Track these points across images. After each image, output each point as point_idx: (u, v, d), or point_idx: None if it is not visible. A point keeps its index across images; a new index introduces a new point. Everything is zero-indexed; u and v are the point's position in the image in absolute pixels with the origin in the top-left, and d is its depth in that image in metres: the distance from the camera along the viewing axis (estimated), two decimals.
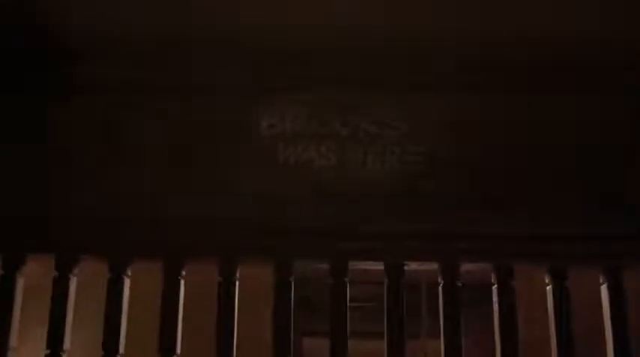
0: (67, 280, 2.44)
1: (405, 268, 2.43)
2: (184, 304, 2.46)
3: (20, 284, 2.46)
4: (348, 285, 2.42)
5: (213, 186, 2.46)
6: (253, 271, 2.48)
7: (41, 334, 2.51)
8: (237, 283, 2.46)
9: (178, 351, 2.38)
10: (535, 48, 2.45)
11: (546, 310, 2.44)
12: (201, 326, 2.52)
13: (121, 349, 2.38)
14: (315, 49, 2.43)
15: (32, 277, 2.54)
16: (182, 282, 2.45)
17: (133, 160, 2.50)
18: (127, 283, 2.46)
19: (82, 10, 2.37)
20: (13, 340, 2.42)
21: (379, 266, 2.45)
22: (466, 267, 2.45)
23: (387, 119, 2.51)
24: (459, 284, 2.40)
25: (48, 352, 2.39)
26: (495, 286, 2.41)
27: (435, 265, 2.43)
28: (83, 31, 2.45)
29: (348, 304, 2.42)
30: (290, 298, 2.42)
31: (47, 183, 2.49)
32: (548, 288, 2.43)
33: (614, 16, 2.36)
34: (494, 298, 2.41)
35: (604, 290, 2.44)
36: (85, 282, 2.53)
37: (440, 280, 2.42)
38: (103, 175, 2.47)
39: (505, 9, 2.32)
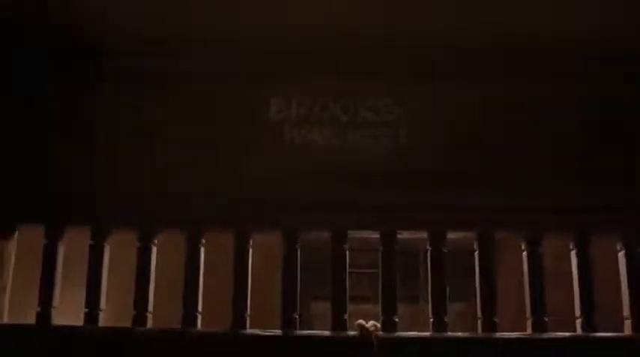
0: (102, 248, 2.78)
1: (399, 236, 2.77)
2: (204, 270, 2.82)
3: (61, 252, 2.81)
4: (347, 252, 2.74)
5: (229, 164, 2.78)
6: (264, 240, 2.82)
7: (70, 297, 2.88)
8: (250, 251, 2.78)
9: (200, 309, 2.73)
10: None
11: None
12: (220, 290, 2.85)
13: (150, 308, 2.73)
14: (319, 45, 2.73)
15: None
16: (202, 250, 2.79)
17: (158, 142, 2.82)
18: (154, 250, 2.81)
19: (115, 13, 2.70)
20: (56, 300, 2.77)
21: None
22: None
23: (382, 105, 2.83)
24: (445, 250, 2.72)
25: (87, 310, 2.72)
26: (477, 252, 2.74)
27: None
28: (115, 30, 2.77)
29: (347, 268, 2.74)
30: (296, 264, 2.74)
31: (79, 164, 2.84)
32: (524, 253, 2.75)
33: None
34: (476, 263, 2.74)
35: (573, 256, 2.76)
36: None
37: (428, 247, 2.75)
38: (131, 155, 2.80)
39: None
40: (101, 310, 2.73)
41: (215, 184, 2.78)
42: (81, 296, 2.78)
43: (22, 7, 2.68)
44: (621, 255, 2.75)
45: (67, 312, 2.87)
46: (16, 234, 2.84)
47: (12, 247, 2.84)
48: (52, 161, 2.82)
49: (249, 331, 2.68)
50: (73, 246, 2.86)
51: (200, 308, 2.73)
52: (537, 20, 2.68)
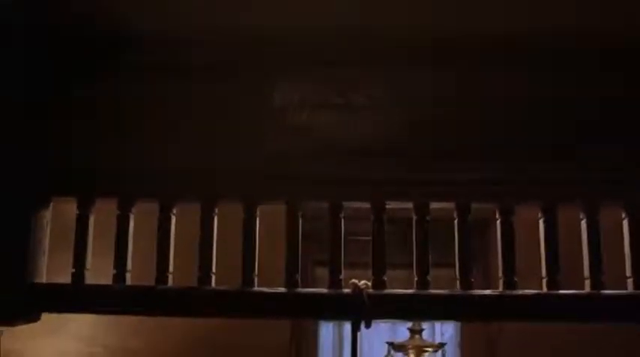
0: (128, 217, 3.17)
1: (388, 207, 3.14)
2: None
3: (91, 221, 3.19)
4: (342, 221, 3.10)
5: (238, 144, 3.13)
6: (270, 210, 3.20)
7: (99, 262, 3.28)
8: (257, 219, 3.15)
9: (214, 270, 3.13)
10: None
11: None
12: (232, 253, 3.23)
13: (171, 268, 3.12)
14: (318, 39, 3.10)
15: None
16: (215, 219, 3.18)
17: (175, 121, 3.19)
18: (173, 219, 3.19)
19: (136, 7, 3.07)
20: (88, 263, 3.16)
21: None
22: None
23: (375, 92, 3.21)
24: (428, 219, 3.11)
25: (115, 272, 3.13)
26: (456, 220, 3.12)
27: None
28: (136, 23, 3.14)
29: (342, 235, 3.10)
30: (298, 232, 3.11)
31: (106, 145, 3.22)
32: (497, 222, 3.13)
33: None
34: (455, 232, 3.12)
35: (541, 224, 3.12)
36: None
37: (414, 215, 3.13)
38: (153, 136, 3.18)
39: None
40: (128, 271, 3.12)
41: (226, 161, 3.15)
42: (110, 262, 3.18)
43: None
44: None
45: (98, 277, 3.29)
46: (51, 206, 3.21)
47: (48, 216, 3.23)
48: (79, 142, 3.22)
49: (256, 289, 3.06)
50: (101, 218, 3.28)
51: (214, 269, 3.11)
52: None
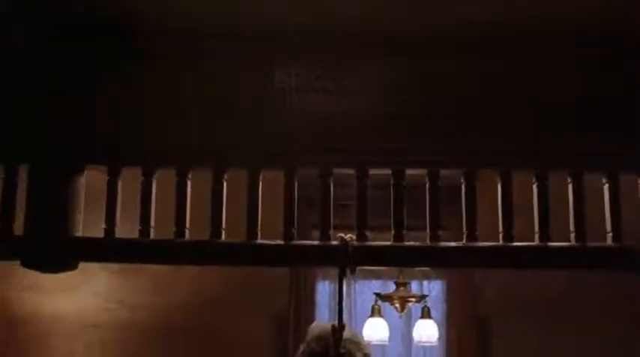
0: (151, 183, 3.70)
1: (371, 172, 3.67)
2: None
3: (119, 186, 3.72)
4: (331, 185, 3.63)
5: (242, 121, 3.65)
6: (272, 176, 3.73)
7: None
8: (260, 185, 3.69)
9: (224, 226, 3.68)
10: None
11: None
12: (239, 213, 3.76)
13: (188, 224, 3.66)
14: (312, 29, 3.59)
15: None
16: (225, 184, 3.72)
17: (190, 103, 3.71)
18: (189, 184, 3.72)
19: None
20: (117, 220, 3.69)
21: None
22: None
23: (360, 76, 3.74)
24: (404, 184, 3.66)
25: (140, 227, 3.68)
26: (427, 184, 3.68)
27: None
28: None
29: (332, 197, 3.63)
30: (294, 193, 3.64)
31: (129, 121, 3.74)
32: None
33: None
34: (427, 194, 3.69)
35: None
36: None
37: (391, 180, 3.67)
38: (171, 111, 3.72)
39: None
40: (151, 227, 3.67)
41: (231, 136, 3.68)
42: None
43: None
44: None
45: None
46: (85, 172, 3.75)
47: (82, 181, 3.75)
48: (107, 119, 3.75)
49: (259, 241, 3.62)
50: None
51: (224, 225, 3.65)
52: None
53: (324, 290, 6.58)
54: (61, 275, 3.88)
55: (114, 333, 6.32)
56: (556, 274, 5.30)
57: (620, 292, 5.77)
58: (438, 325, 5.97)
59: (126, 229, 3.77)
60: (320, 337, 3.24)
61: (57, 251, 3.63)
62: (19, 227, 3.68)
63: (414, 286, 6.26)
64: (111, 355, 6.32)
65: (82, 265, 3.77)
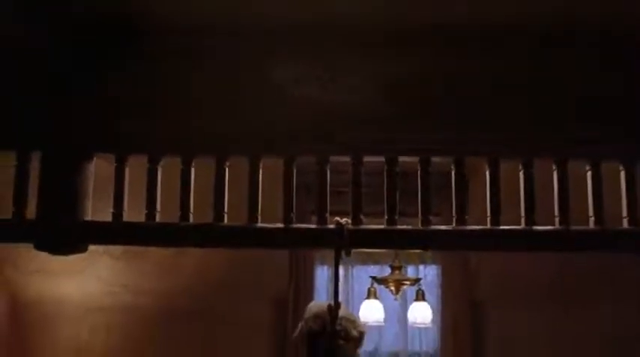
0: (156, 170, 3.88)
1: (366, 160, 3.84)
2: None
3: (127, 172, 3.91)
4: (328, 172, 3.80)
5: (244, 112, 3.85)
6: (272, 164, 3.90)
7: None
8: (260, 172, 3.86)
9: (226, 210, 3.87)
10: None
11: None
12: (240, 199, 3.93)
13: (192, 208, 3.84)
14: (310, 26, 3.78)
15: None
16: (227, 170, 3.89)
17: (194, 95, 3.89)
18: (193, 171, 3.90)
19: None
20: (125, 205, 3.89)
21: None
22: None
23: (354, 69, 3.92)
24: (397, 171, 3.84)
25: (146, 211, 3.85)
26: (419, 171, 3.87)
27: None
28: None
29: (328, 183, 3.80)
30: (293, 179, 3.81)
31: (138, 111, 3.94)
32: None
33: None
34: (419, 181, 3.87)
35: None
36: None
37: (385, 167, 3.85)
38: (176, 104, 3.90)
39: None
40: (157, 211, 3.85)
41: (234, 126, 3.86)
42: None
43: None
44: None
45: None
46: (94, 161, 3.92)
47: (91, 169, 3.93)
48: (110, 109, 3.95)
49: (259, 224, 3.80)
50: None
51: (226, 209, 3.82)
52: None
53: (322, 275, 6.74)
54: (67, 260, 4.08)
55: (118, 316, 6.49)
56: (549, 259, 5.53)
57: (611, 276, 5.96)
58: (434, 308, 6.14)
59: (132, 216, 3.94)
60: (317, 316, 3.45)
61: (68, 234, 3.82)
62: (31, 212, 3.86)
63: (411, 271, 6.49)
64: (115, 338, 6.48)
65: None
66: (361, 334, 3.48)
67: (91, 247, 3.96)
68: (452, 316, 6.63)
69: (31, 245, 3.86)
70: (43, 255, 4.04)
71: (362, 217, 3.80)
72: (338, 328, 3.35)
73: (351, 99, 3.86)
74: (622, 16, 3.68)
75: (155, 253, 6.15)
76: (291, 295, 6.54)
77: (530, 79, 3.91)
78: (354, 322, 3.52)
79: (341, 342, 3.38)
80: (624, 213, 3.82)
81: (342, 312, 3.34)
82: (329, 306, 3.28)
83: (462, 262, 6.58)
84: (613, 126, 3.82)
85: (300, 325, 3.52)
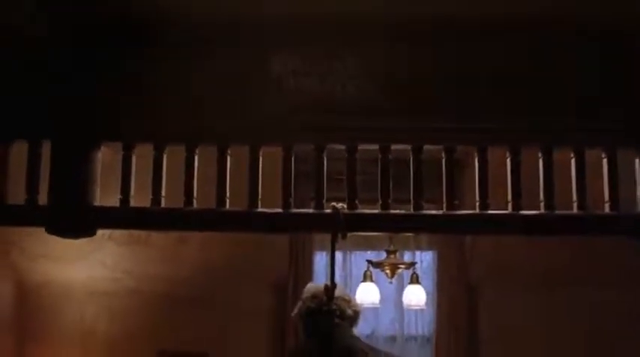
0: (162, 158, 4.05)
1: (360, 148, 4.03)
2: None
3: (133, 160, 4.07)
4: (325, 159, 3.98)
5: (244, 103, 4.01)
6: (271, 152, 4.08)
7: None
8: (260, 159, 4.03)
9: (228, 195, 4.03)
10: None
11: None
12: (241, 185, 4.09)
13: (195, 194, 4.00)
14: (307, 21, 3.92)
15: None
16: (228, 158, 4.05)
17: (198, 89, 4.04)
18: (196, 159, 4.06)
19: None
20: (132, 191, 4.05)
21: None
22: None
23: (351, 61, 4.09)
24: (390, 158, 4.02)
25: (152, 197, 4.02)
26: (411, 158, 4.05)
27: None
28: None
29: (325, 170, 3.96)
30: (291, 166, 3.99)
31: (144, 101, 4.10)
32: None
33: None
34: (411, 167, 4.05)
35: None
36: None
37: (379, 155, 4.03)
38: (182, 96, 4.05)
39: None
40: (162, 196, 4.01)
41: (235, 117, 4.02)
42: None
43: None
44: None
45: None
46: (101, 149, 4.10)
47: (99, 156, 4.09)
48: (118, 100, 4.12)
49: (259, 209, 3.97)
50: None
51: (228, 195, 3.99)
52: None
53: (321, 260, 6.89)
54: (72, 245, 4.25)
55: (121, 301, 6.66)
56: (543, 243, 5.71)
57: (604, 259, 6.11)
58: (430, 292, 6.31)
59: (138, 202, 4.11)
60: (314, 296, 3.63)
61: (77, 219, 4.00)
62: (42, 198, 4.05)
63: (407, 256, 6.66)
64: (119, 322, 6.65)
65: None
66: (356, 313, 3.65)
67: (96, 234, 4.13)
68: (448, 301, 6.80)
69: (40, 230, 4.04)
70: (49, 240, 4.24)
71: (357, 202, 3.96)
72: (334, 307, 3.51)
73: (346, 90, 4.02)
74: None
75: (158, 240, 6.32)
76: (291, 280, 6.68)
77: (528, 74, 4.07)
78: (349, 301, 3.69)
79: (337, 320, 3.54)
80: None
81: (337, 292, 3.50)
82: (325, 286, 3.42)
83: (458, 247, 6.75)
84: (592, 118, 3.99)
85: (298, 304, 3.70)
